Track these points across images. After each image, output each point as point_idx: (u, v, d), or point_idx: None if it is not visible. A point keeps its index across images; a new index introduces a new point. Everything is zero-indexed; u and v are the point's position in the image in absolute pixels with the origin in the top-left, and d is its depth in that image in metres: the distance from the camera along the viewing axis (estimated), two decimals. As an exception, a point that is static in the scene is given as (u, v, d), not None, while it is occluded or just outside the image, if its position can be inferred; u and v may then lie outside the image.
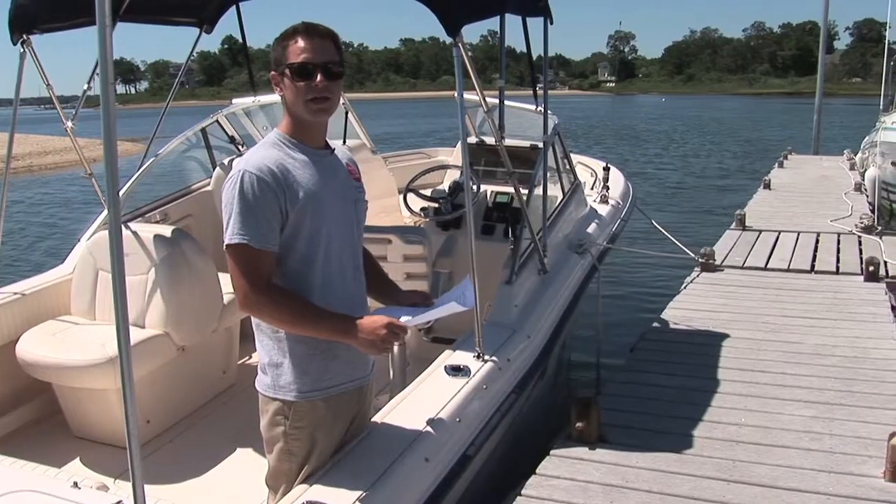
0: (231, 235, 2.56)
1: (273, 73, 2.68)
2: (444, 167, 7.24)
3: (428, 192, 6.10)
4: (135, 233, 4.53)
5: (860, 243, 9.32)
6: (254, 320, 2.75)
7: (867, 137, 17.29)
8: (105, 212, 4.52)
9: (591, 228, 6.31)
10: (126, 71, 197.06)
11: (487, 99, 4.43)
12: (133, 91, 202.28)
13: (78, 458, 4.19)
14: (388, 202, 7.10)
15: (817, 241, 9.49)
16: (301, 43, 2.61)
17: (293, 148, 2.69)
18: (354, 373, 2.82)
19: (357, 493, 2.72)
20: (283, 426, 2.73)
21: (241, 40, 6.17)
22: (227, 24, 5.49)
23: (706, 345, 6.02)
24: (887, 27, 18.69)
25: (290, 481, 2.79)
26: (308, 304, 2.65)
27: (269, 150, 2.66)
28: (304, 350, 2.70)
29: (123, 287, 2.24)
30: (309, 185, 2.64)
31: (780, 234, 9.95)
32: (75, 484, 2.82)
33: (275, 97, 2.75)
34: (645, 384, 5.28)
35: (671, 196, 19.12)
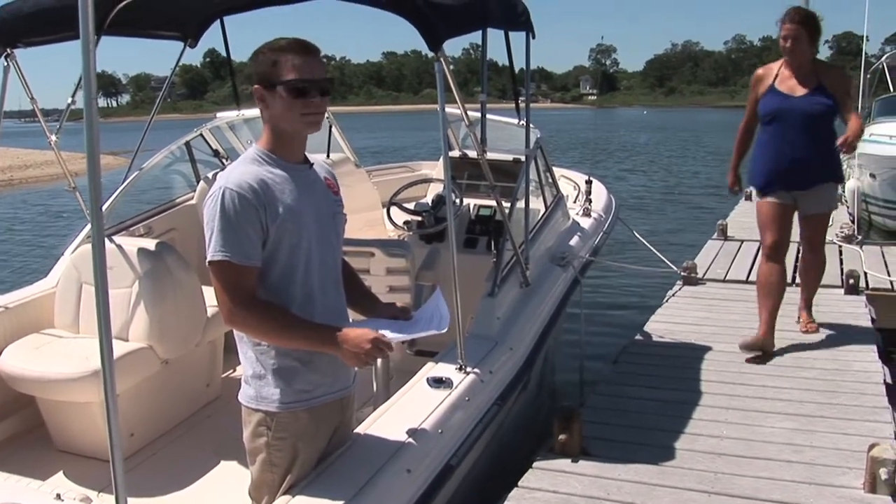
0: (213, 252, 2.58)
1: (257, 86, 2.67)
2: (428, 181, 7.27)
3: (411, 206, 6.12)
4: (119, 246, 4.53)
5: (840, 253, 9.38)
6: (236, 332, 2.77)
7: (847, 150, 17.33)
8: (89, 225, 4.52)
9: (574, 241, 6.32)
10: (108, 84, 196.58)
11: (469, 113, 4.45)
12: (115, 104, 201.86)
13: (61, 472, 4.16)
14: (371, 215, 7.11)
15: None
16: (296, 60, 2.62)
17: (272, 163, 2.71)
18: (336, 384, 2.83)
19: None
20: (266, 437, 2.75)
21: (223, 54, 6.17)
22: (209, 38, 5.51)
23: (688, 358, 6.04)
24: (865, 40, 18.86)
25: (272, 492, 2.80)
26: (292, 316, 2.67)
27: (248, 166, 2.68)
28: (286, 361, 2.72)
29: (106, 300, 2.25)
30: (288, 200, 2.66)
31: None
32: (58, 496, 2.82)
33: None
34: (627, 397, 5.29)
35: (654, 208, 19.20)
